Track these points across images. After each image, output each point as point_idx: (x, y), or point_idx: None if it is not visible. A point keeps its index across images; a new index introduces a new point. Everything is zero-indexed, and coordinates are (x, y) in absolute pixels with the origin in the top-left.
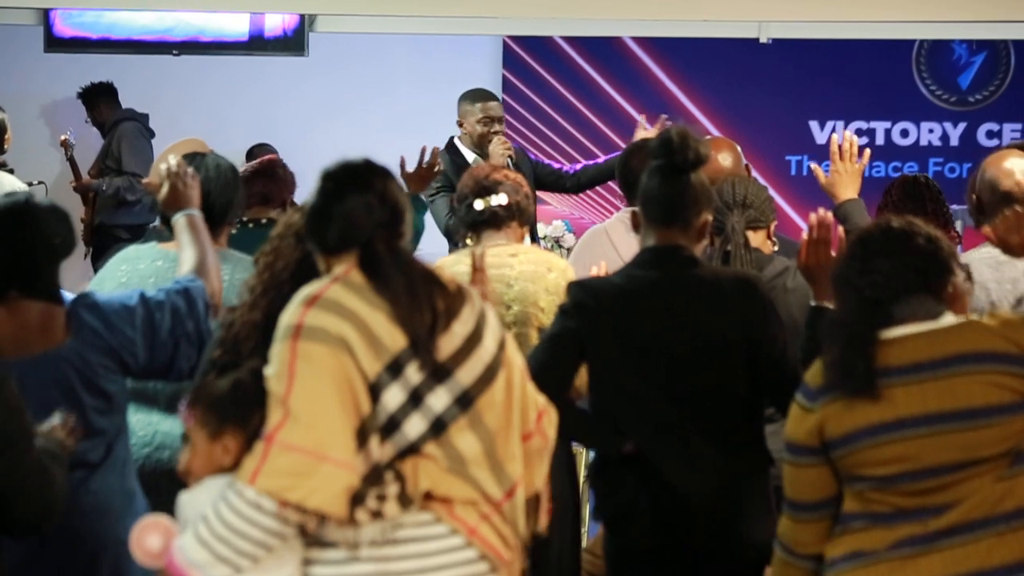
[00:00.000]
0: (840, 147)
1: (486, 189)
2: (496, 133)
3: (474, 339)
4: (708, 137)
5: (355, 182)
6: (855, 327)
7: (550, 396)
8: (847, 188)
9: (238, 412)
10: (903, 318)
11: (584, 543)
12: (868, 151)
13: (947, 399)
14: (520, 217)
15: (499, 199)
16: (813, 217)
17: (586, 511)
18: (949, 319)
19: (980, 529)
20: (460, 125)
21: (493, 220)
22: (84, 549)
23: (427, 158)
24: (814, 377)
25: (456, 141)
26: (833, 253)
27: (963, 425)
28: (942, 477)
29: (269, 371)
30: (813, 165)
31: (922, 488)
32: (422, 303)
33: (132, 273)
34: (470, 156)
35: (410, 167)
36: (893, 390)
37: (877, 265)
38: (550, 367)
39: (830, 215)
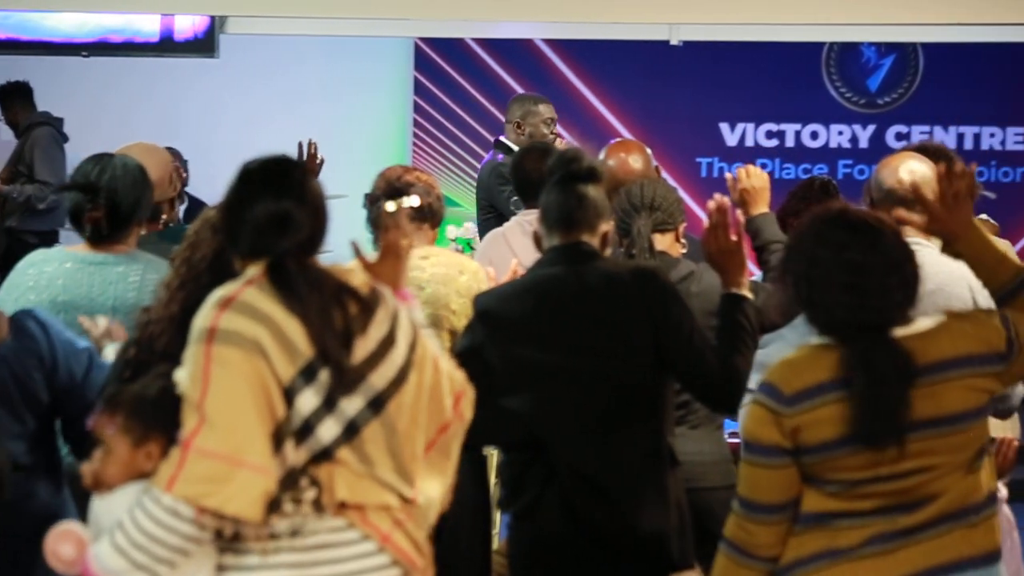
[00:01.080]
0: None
1: (398, 191)
2: (554, 135)
3: (388, 342)
4: (618, 139)
5: (272, 184)
6: (890, 369)
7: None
8: (757, 203)
9: (165, 419)
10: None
11: (495, 545)
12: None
13: (929, 406)
14: (432, 219)
15: (411, 201)
16: (711, 203)
17: (497, 514)
18: (924, 322)
19: (953, 521)
20: (518, 126)
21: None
22: (19, 551)
23: (306, 151)
24: (786, 380)
25: (506, 142)
26: (733, 237)
27: (943, 431)
28: (916, 477)
29: (182, 374)
30: (728, 175)
31: (894, 489)
32: (333, 315)
33: (40, 276)
34: None
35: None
36: None
37: (883, 288)
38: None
39: (726, 200)
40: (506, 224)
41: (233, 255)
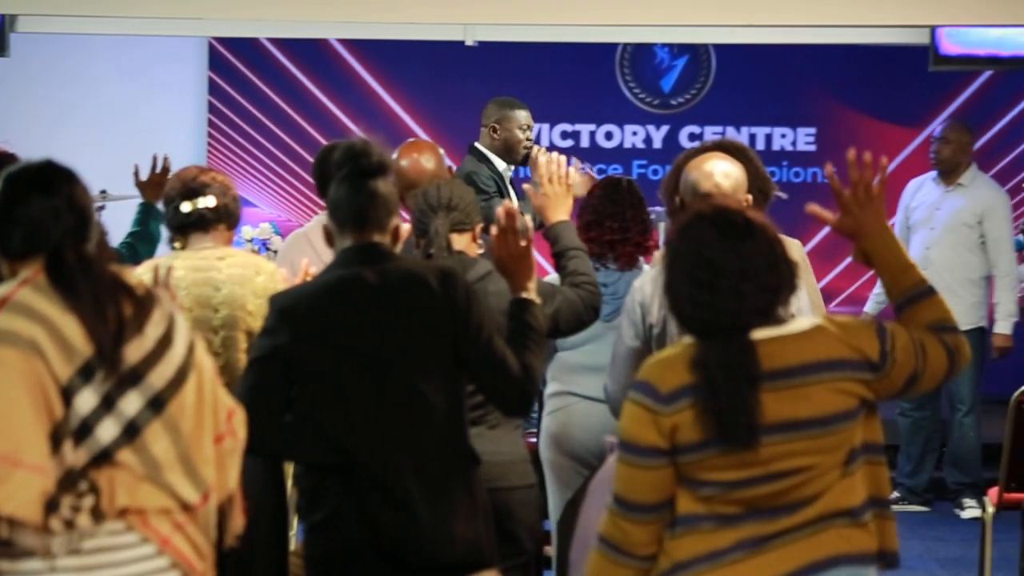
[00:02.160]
0: (549, 170)
1: (193, 191)
2: (530, 142)
3: (165, 342)
4: (411, 139)
5: (39, 185)
6: (736, 371)
7: (262, 419)
8: (557, 210)
9: None
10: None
11: (292, 546)
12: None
13: (802, 407)
14: (228, 220)
15: (207, 201)
16: (500, 209)
17: (294, 516)
18: (797, 324)
19: (829, 521)
20: (493, 130)
21: (200, 223)
22: None
23: (160, 165)
24: (662, 378)
25: (480, 148)
26: (522, 243)
27: (815, 432)
28: (790, 479)
29: None
30: (526, 186)
31: (770, 491)
32: (108, 313)
33: None
34: (500, 164)
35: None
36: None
37: (736, 292)
38: (260, 389)
39: (515, 206)
40: (308, 224)
41: (3, 259)
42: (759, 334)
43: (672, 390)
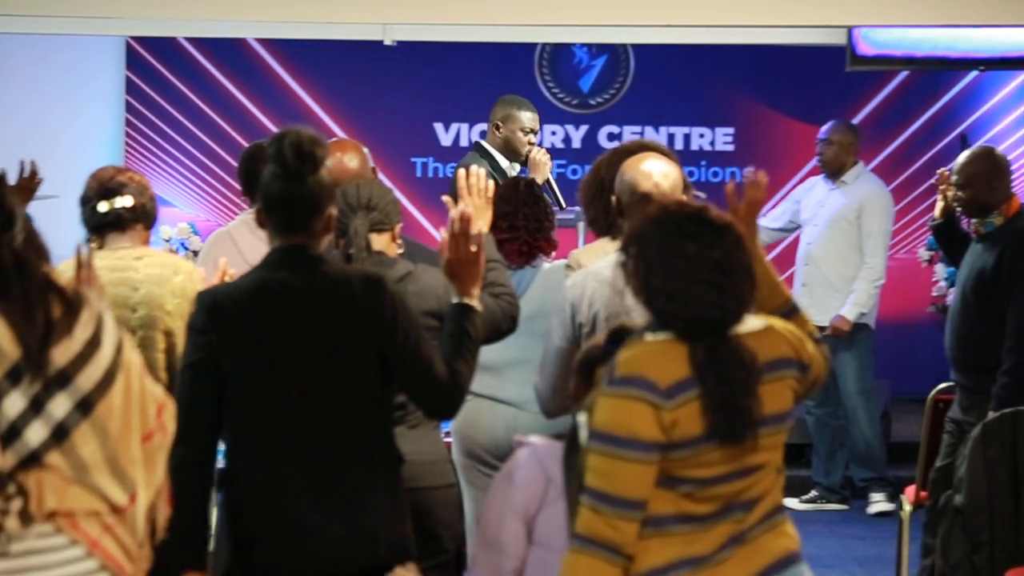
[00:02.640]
0: (468, 182)
1: (110, 191)
2: (532, 144)
3: (93, 343)
4: (333, 139)
5: None
6: (738, 365)
7: (201, 433)
8: (476, 222)
9: None
10: None
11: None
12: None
13: (770, 403)
14: (145, 220)
15: (124, 201)
16: (454, 212)
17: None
18: (753, 323)
19: (771, 520)
20: (497, 128)
21: (118, 223)
22: None
23: (27, 170)
24: (659, 373)
25: (484, 144)
26: (473, 248)
27: (778, 427)
28: (753, 476)
29: None
30: (445, 198)
31: (734, 489)
32: (37, 315)
33: None
34: (504, 162)
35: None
36: None
37: (716, 291)
38: (197, 402)
39: (469, 210)
40: (231, 223)
41: None
42: (733, 332)
43: (671, 385)
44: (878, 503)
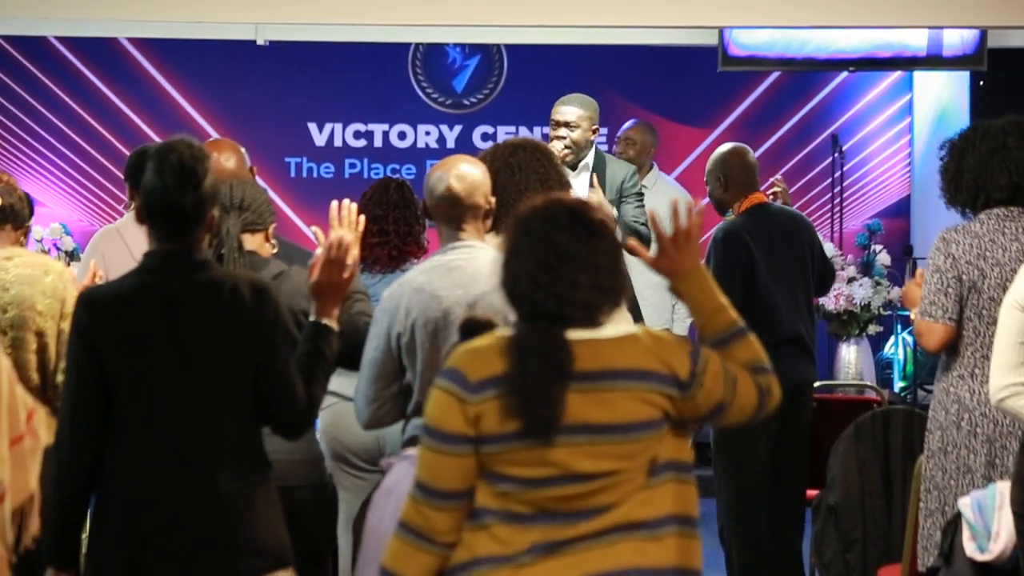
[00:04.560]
0: (340, 215)
1: None
2: (559, 138)
3: None
4: (212, 139)
5: None
6: (548, 361)
7: (84, 434)
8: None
9: None
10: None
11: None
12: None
13: (606, 412)
14: (14, 220)
15: None
16: (334, 236)
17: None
18: (611, 329)
19: (626, 532)
20: None
21: None
22: None
23: None
24: (471, 367)
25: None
26: (344, 276)
27: (616, 438)
28: (588, 484)
29: None
30: (314, 228)
31: (567, 494)
32: None
33: None
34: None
35: None
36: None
37: (573, 281)
38: (80, 402)
39: (348, 236)
40: (121, 220)
41: None
42: (575, 335)
43: (481, 379)
44: None
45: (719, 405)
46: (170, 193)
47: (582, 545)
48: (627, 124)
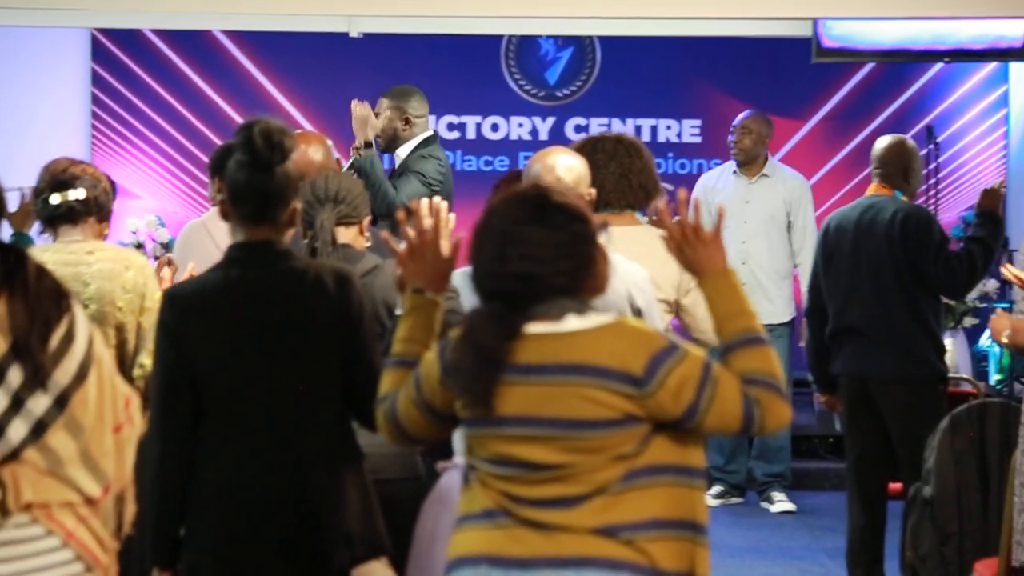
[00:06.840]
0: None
1: (63, 183)
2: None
3: (68, 338)
4: (299, 131)
5: None
6: (480, 358)
7: (176, 430)
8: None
9: None
10: (536, 316)
11: None
12: None
13: (552, 406)
14: (98, 213)
15: (76, 194)
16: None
17: None
18: (572, 323)
19: (594, 532)
20: None
21: (70, 215)
22: None
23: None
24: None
25: None
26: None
27: (564, 432)
28: (541, 473)
29: None
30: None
31: (525, 479)
32: (35, 309)
33: None
34: None
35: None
36: (506, 387)
37: (527, 258)
38: (170, 399)
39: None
40: (206, 214)
41: None
42: (534, 328)
43: (447, 365)
44: (782, 501)
45: (690, 409)
46: (257, 158)
47: (541, 530)
48: (743, 114)
